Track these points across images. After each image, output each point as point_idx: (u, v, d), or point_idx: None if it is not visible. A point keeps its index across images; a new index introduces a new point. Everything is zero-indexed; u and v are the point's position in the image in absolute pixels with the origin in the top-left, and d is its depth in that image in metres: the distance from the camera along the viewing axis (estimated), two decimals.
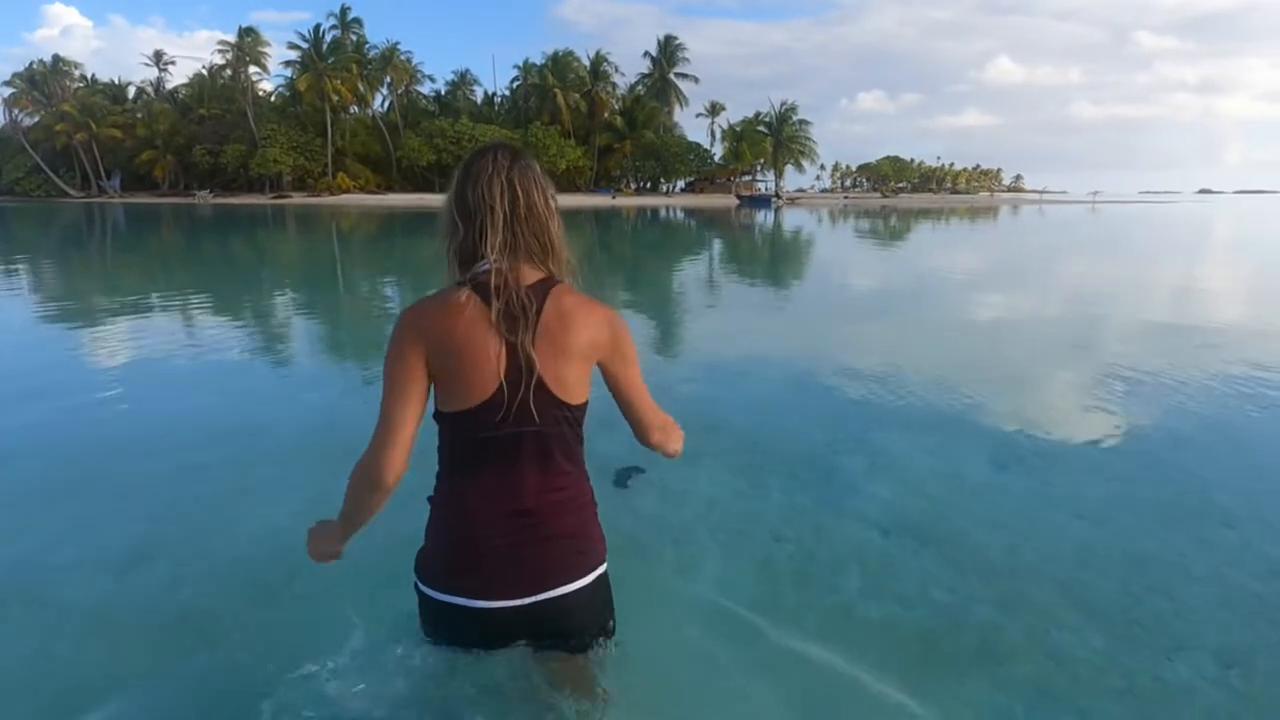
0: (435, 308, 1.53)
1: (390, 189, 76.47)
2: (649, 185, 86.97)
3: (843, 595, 2.71)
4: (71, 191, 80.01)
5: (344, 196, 71.46)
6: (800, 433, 4.37)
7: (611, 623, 1.77)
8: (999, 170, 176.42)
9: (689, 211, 54.30)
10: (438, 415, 1.58)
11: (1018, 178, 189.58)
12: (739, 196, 78.15)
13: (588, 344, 1.57)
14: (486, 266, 1.52)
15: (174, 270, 15.49)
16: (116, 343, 7.26)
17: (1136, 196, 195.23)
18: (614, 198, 75.20)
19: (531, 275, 1.55)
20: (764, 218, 45.91)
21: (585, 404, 1.62)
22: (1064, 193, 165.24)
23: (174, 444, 4.25)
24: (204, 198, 72.80)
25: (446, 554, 1.63)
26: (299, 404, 5.26)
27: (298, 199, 69.39)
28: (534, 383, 1.52)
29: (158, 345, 7.10)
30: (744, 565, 2.90)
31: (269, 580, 2.72)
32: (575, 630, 1.70)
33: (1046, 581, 2.83)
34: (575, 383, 1.57)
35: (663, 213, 52.38)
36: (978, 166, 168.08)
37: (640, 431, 1.75)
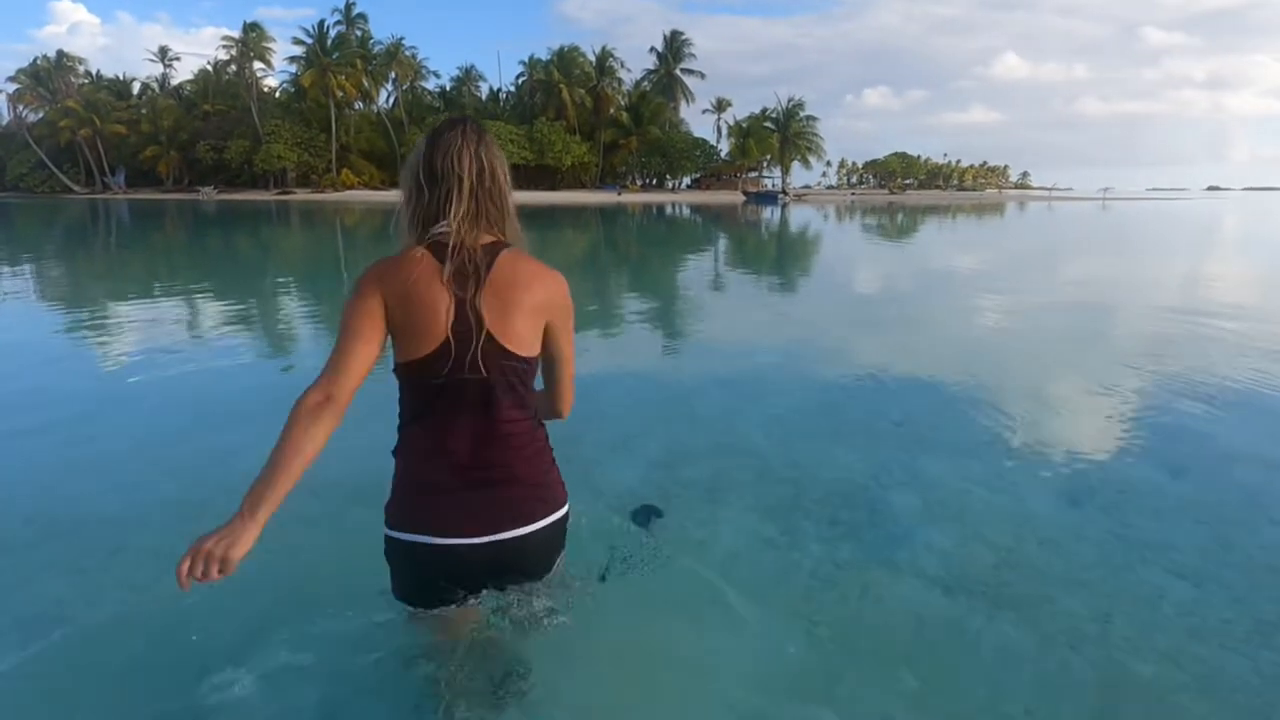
0: (394, 263, 1.64)
1: (394, 185, 74.01)
2: (655, 182, 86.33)
3: (905, 684, 2.19)
4: (76, 187, 79.81)
5: (348, 193, 71.04)
6: (834, 459, 3.83)
7: (559, 544, 1.86)
8: (1006, 167, 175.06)
9: (695, 208, 53.64)
10: (396, 369, 1.68)
11: (1024, 174, 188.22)
12: (745, 193, 77.45)
13: (541, 302, 1.69)
14: (444, 229, 1.64)
15: (180, 267, 15.06)
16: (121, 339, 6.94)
17: (1144, 193, 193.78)
18: (619, 194, 74.65)
19: (485, 238, 1.67)
20: (771, 214, 45.25)
21: (535, 358, 1.73)
22: (1070, 189, 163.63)
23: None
24: (208, 194, 72.44)
25: (410, 498, 1.74)
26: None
27: (302, 195, 68.97)
28: (483, 336, 1.62)
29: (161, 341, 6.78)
30: (778, 641, 2.36)
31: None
32: (531, 569, 1.82)
33: (1154, 658, 2.32)
34: (525, 336, 1.68)
35: (669, 209, 51.76)
36: (984, 163, 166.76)
37: (556, 403, 1.88)
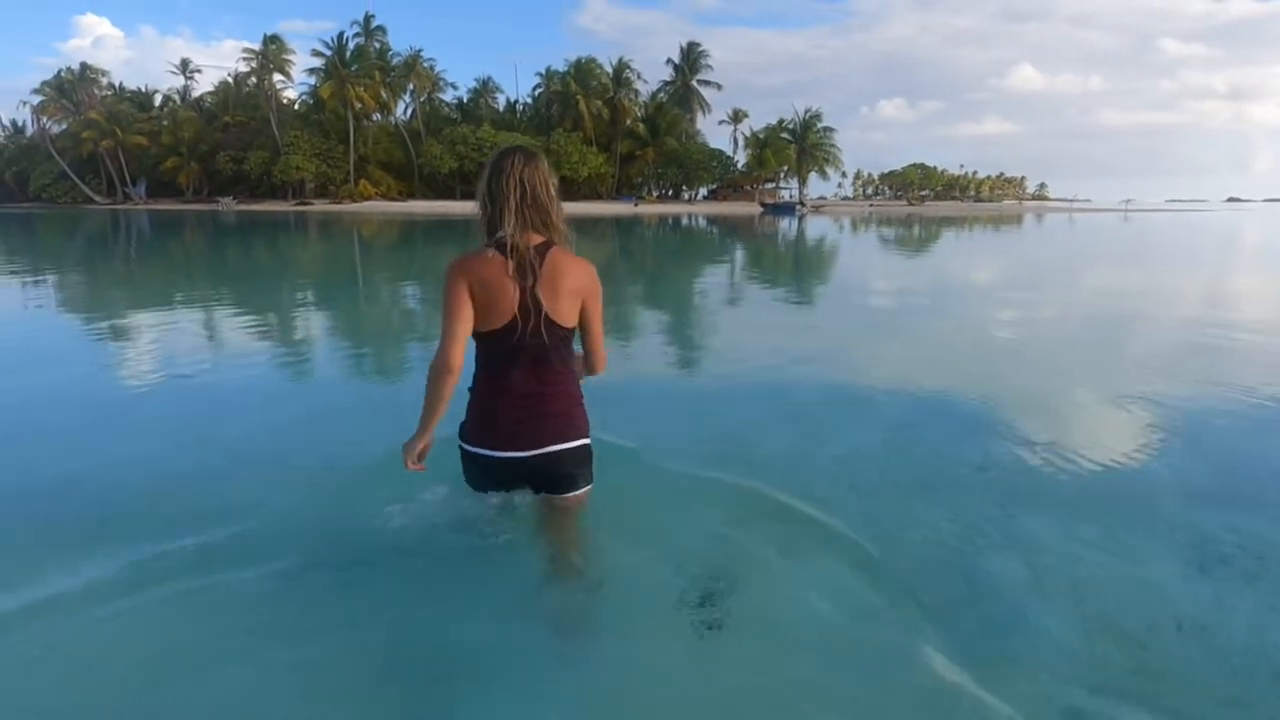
0: (474, 258, 2.32)
1: (412, 196, 76.18)
2: (671, 193, 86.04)
3: None
4: (97, 198, 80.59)
5: (366, 203, 71.22)
6: (915, 516, 3.26)
7: (589, 473, 2.56)
8: (1023, 178, 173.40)
9: (711, 219, 53.13)
10: (475, 334, 2.37)
11: (1041, 185, 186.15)
12: (763, 204, 77.00)
13: (575, 286, 2.36)
14: (504, 234, 2.29)
15: (200, 277, 14.76)
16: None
17: (1163, 204, 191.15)
18: (636, 205, 74.34)
19: (535, 239, 2.33)
20: (788, 225, 44.69)
21: (574, 327, 2.42)
22: (1088, 201, 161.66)
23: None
24: (227, 204, 72.88)
25: (478, 423, 2.47)
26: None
27: (320, 206, 69.22)
28: (542, 315, 2.32)
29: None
30: None
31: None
32: (562, 476, 2.49)
33: None
34: (567, 312, 2.37)
35: (685, 220, 51.31)
36: (1001, 174, 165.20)
37: (591, 362, 2.56)
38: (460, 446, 2.51)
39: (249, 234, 32.02)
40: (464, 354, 2.31)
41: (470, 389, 2.46)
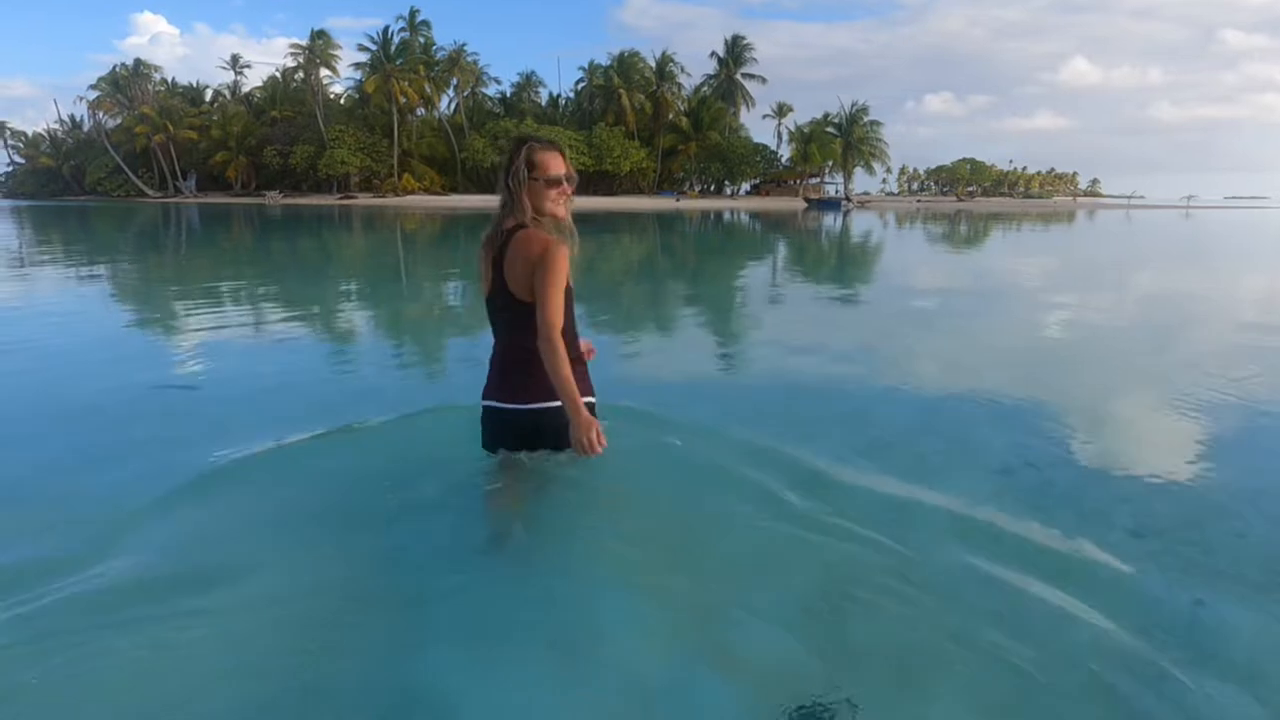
0: (483, 242, 2.70)
1: (454, 190, 76.51)
2: (714, 188, 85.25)
3: None
4: (150, 191, 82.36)
5: (409, 197, 71.71)
6: (1068, 609, 2.38)
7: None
8: (1074, 174, 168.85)
9: (754, 214, 52.27)
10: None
11: (1094, 181, 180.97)
12: (807, 199, 75.90)
13: (525, 260, 2.52)
14: (498, 217, 2.64)
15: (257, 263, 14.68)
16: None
17: (1221, 201, 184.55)
18: (678, 200, 73.78)
19: (509, 223, 2.59)
20: (834, 221, 43.69)
21: (533, 301, 2.54)
22: (1141, 197, 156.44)
23: None
24: (273, 198, 73.95)
25: (487, 379, 2.77)
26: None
27: (363, 199, 69.84)
28: (503, 286, 2.59)
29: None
30: None
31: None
32: (543, 432, 2.66)
33: None
34: (523, 287, 2.55)
35: (728, 215, 50.57)
36: (1051, 170, 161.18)
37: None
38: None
39: (296, 227, 32.18)
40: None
41: None
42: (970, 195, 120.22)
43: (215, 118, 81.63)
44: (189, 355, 6.45)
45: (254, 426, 4.00)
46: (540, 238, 2.53)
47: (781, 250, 21.99)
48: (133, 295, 11.05)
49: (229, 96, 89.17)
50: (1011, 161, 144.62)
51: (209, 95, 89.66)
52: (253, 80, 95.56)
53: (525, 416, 2.65)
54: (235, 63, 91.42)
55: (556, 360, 2.47)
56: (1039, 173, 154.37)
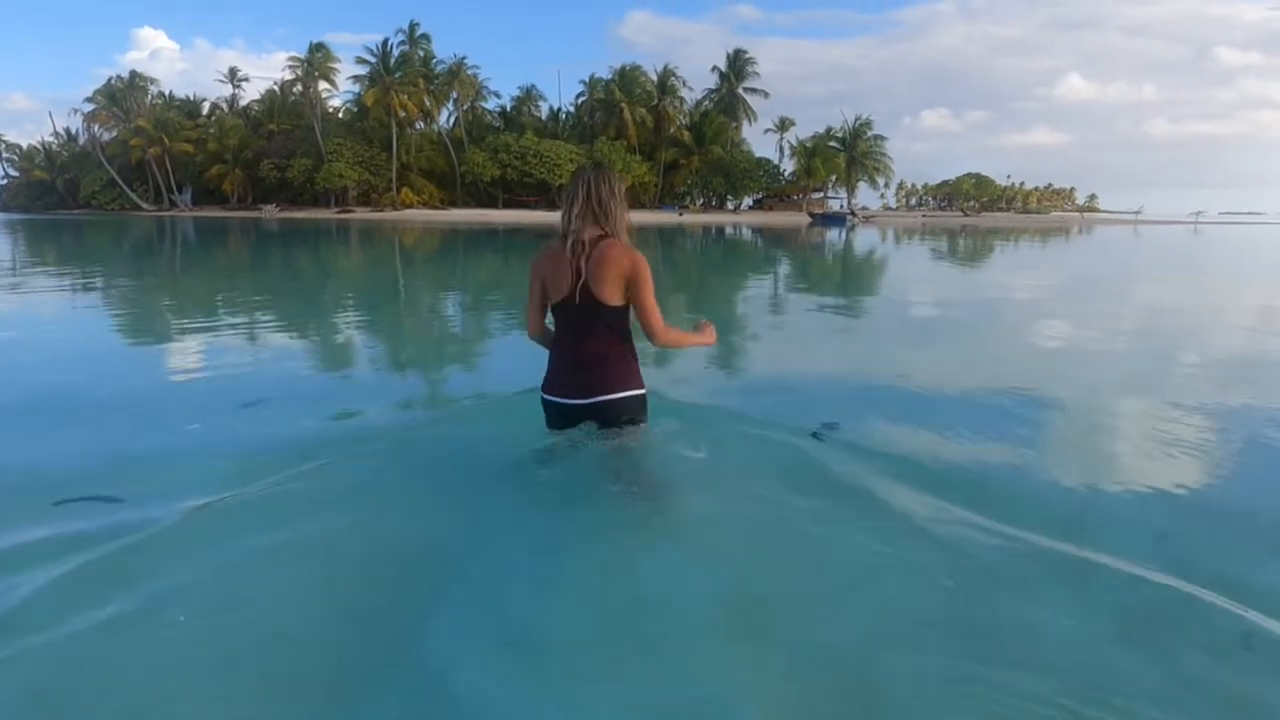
0: (545, 250, 3.00)
1: (454, 204, 75.61)
2: (716, 202, 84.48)
3: None
4: (144, 205, 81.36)
5: (407, 211, 70.76)
6: None
7: (641, 415, 3.08)
8: (1072, 189, 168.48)
9: (758, 230, 51.27)
10: (550, 305, 3.03)
11: (1092, 197, 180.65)
12: (811, 214, 75.00)
13: (618, 272, 2.85)
14: (572, 229, 2.90)
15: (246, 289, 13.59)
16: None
17: (1218, 217, 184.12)
18: (680, 215, 72.97)
19: (594, 233, 2.89)
20: (839, 236, 42.67)
21: (622, 305, 2.91)
22: (1138, 212, 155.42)
23: None
24: (270, 212, 72.93)
25: (550, 375, 3.10)
26: None
27: (361, 214, 68.81)
28: (589, 291, 2.87)
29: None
30: None
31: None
32: (616, 419, 3.01)
33: None
34: (611, 292, 2.87)
35: (730, 230, 49.63)
36: (1049, 185, 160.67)
37: (646, 331, 2.98)
38: (541, 396, 3.13)
39: (293, 242, 31.13)
40: (541, 320, 3.09)
41: (550, 347, 3.14)
42: (974, 210, 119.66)
43: (212, 131, 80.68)
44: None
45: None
46: (630, 250, 2.91)
47: (825, 275, 20.91)
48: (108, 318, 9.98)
49: (226, 110, 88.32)
50: (1009, 177, 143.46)
51: (206, 108, 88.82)
52: (250, 94, 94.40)
53: (611, 405, 3.00)
54: (233, 76, 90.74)
55: (679, 336, 3.19)
56: (1037, 188, 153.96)
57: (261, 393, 5.33)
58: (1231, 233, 59.08)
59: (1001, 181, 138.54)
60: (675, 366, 6.11)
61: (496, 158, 71.90)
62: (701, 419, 4.09)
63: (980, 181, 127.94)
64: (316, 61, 76.14)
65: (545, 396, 3.11)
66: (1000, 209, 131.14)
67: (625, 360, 3.01)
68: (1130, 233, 56.92)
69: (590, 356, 2.96)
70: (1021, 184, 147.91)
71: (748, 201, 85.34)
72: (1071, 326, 9.81)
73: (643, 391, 3.07)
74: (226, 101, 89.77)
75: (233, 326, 8.89)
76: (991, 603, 2.40)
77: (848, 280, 17.63)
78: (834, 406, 5.04)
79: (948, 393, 5.65)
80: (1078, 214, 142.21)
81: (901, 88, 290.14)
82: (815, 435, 4.00)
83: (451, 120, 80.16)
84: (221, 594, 2.39)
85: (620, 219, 2.93)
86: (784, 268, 20.73)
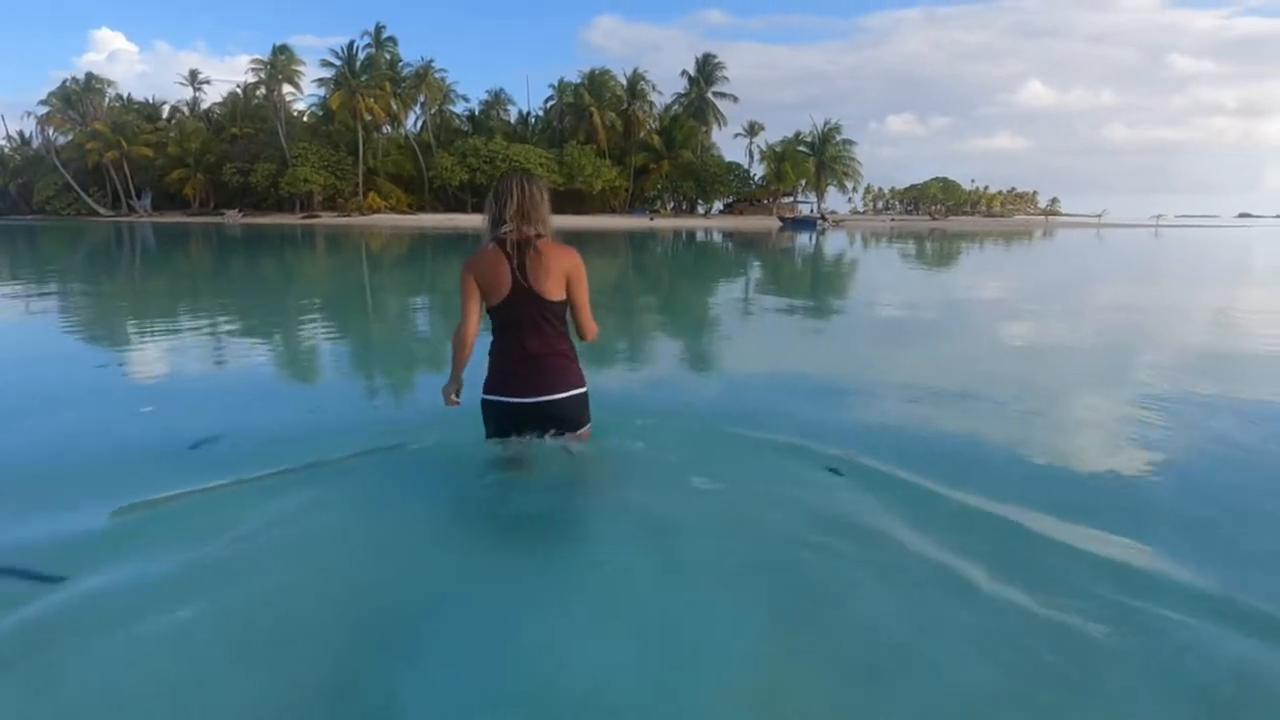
0: (478, 255, 3.02)
1: (422, 209, 74.68)
2: (686, 206, 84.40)
3: None
4: (101, 210, 79.21)
5: (375, 216, 69.72)
6: None
7: (587, 414, 3.18)
8: (1034, 193, 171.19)
9: (728, 234, 51.19)
10: (487, 309, 3.05)
11: (1054, 200, 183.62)
12: (781, 218, 75.20)
13: (559, 268, 2.99)
14: (504, 230, 2.98)
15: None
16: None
17: (1176, 221, 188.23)
18: (651, 219, 72.77)
19: (529, 233, 2.98)
20: (810, 240, 42.67)
21: (561, 300, 3.03)
22: (1098, 216, 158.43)
23: None
24: (233, 217, 71.49)
25: (494, 378, 3.09)
26: None
27: (327, 218, 67.68)
28: (530, 290, 2.96)
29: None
30: None
31: None
32: (564, 418, 3.08)
33: None
34: (553, 289, 2.99)
35: (701, 235, 49.47)
36: (1013, 189, 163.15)
37: (579, 329, 3.14)
38: (482, 399, 3.13)
39: (253, 247, 30.35)
40: (476, 326, 3.07)
41: (489, 353, 3.11)
42: (941, 214, 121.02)
43: (172, 134, 78.87)
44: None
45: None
46: (569, 248, 3.05)
47: (818, 284, 20.71)
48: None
49: (187, 113, 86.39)
50: (974, 181, 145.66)
51: (166, 111, 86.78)
52: (213, 96, 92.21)
53: (558, 405, 3.06)
54: (194, 79, 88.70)
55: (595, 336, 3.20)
56: (1001, 192, 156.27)
57: (210, 426, 4.62)
58: (1192, 235, 60.24)
59: (967, 186, 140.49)
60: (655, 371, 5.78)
61: (465, 162, 71.10)
62: (707, 439, 4.10)
63: (947, 186, 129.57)
64: (280, 64, 74.80)
65: (491, 398, 3.10)
66: (966, 213, 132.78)
67: (569, 358, 3.09)
68: (1094, 236, 57.75)
69: (536, 354, 3.01)
70: (986, 188, 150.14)
71: (718, 206, 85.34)
72: (1077, 331, 9.66)
73: (586, 389, 3.16)
74: (188, 104, 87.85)
75: (175, 349, 8.24)
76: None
77: (835, 286, 17.45)
78: (848, 429, 4.69)
79: (947, 399, 5.39)
80: (1041, 217, 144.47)
81: (869, 93, 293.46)
82: (834, 470, 3.61)
83: (419, 124, 79.33)
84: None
85: (550, 221, 3.06)
86: (761, 273, 20.51)
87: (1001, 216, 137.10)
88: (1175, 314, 11.57)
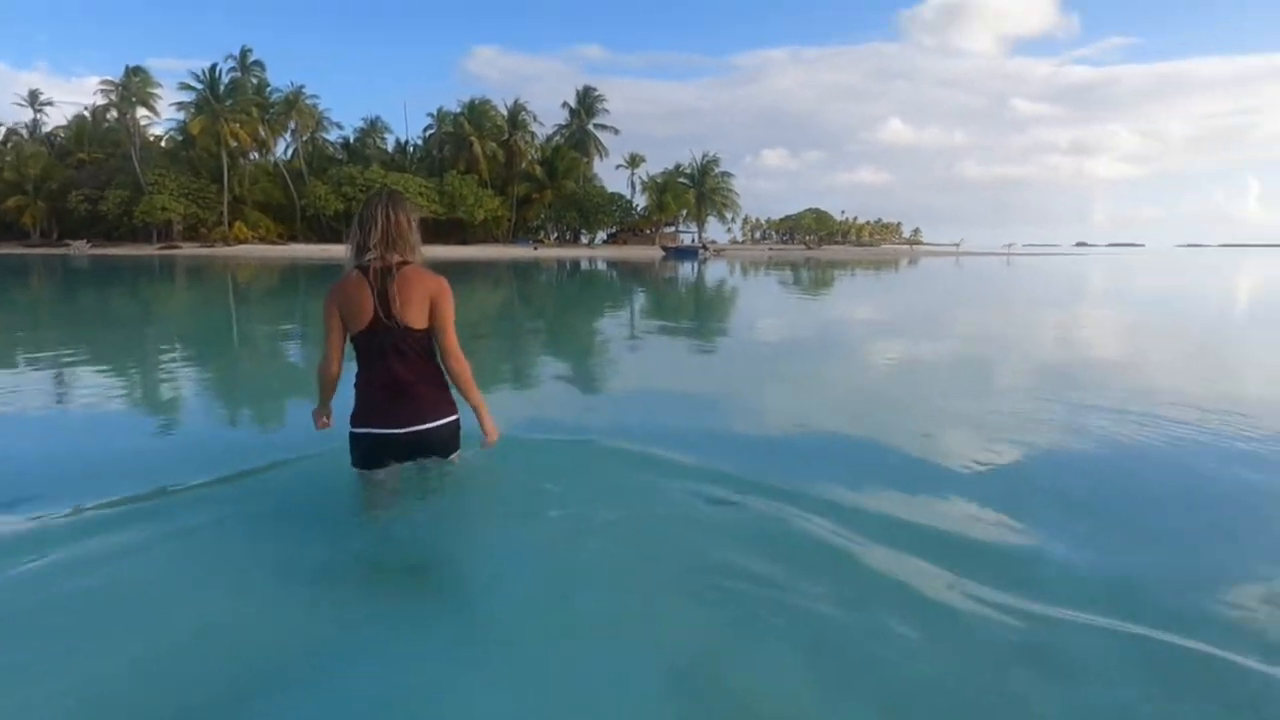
0: (341, 282, 2.92)
1: (294, 239, 71.41)
2: (570, 236, 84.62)
3: None
4: None
5: (241, 247, 66.14)
6: None
7: (457, 441, 3.09)
8: (899, 224, 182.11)
9: (612, 263, 51.61)
10: (350, 337, 2.95)
11: (916, 230, 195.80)
12: (664, 248, 76.50)
13: (422, 294, 2.89)
14: (370, 257, 2.88)
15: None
16: None
17: (1023, 249, 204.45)
18: (535, 249, 72.44)
19: (394, 259, 2.89)
20: (692, 269, 43.54)
21: (426, 329, 2.93)
22: (957, 245, 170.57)
23: None
24: (80, 248, 66.09)
25: (359, 408, 2.98)
26: None
27: (189, 249, 63.61)
28: (394, 317, 2.86)
29: None
30: None
31: None
32: (434, 447, 3.02)
33: None
34: (417, 316, 2.89)
35: (585, 264, 49.60)
36: (879, 220, 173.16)
37: (443, 356, 2.99)
38: (350, 431, 3.02)
39: (101, 280, 28.02)
40: (340, 355, 2.97)
41: (355, 383, 2.98)
42: (815, 244, 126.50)
43: (9, 159, 72.35)
44: None
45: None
46: (432, 274, 2.96)
47: (714, 307, 20.88)
48: None
49: (26, 136, 79.64)
50: (844, 212, 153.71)
51: (1, 134, 79.67)
52: (56, 119, 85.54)
53: (429, 435, 2.99)
54: (34, 100, 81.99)
55: (469, 373, 3.02)
56: (869, 222, 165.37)
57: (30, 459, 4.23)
58: (1038, 263, 65.36)
59: (838, 217, 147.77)
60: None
61: (340, 191, 68.64)
62: (589, 463, 4.04)
63: (820, 216, 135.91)
64: (134, 86, 70.13)
65: (359, 430, 3.00)
66: (838, 242, 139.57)
67: (439, 386, 3.01)
68: (954, 263, 61.68)
69: (404, 383, 2.92)
70: (856, 219, 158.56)
71: (601, 236, 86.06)
72: (972, 348, 10.07)
73: (457, 417, 3.08)
74: (27, 127, 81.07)
75: None
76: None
77: (719, 311, 17.70)
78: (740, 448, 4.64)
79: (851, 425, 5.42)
80: (906, 246, 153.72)
81: (744, 128, 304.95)
82: (722, 501, 3.47)
83: (290, 152, 76.12)
84: None
85: (418, 245, 2.97)
86: (647, 300, 20.60)
87: (870, 245, 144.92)
88: (1036, 329, 12.35)
